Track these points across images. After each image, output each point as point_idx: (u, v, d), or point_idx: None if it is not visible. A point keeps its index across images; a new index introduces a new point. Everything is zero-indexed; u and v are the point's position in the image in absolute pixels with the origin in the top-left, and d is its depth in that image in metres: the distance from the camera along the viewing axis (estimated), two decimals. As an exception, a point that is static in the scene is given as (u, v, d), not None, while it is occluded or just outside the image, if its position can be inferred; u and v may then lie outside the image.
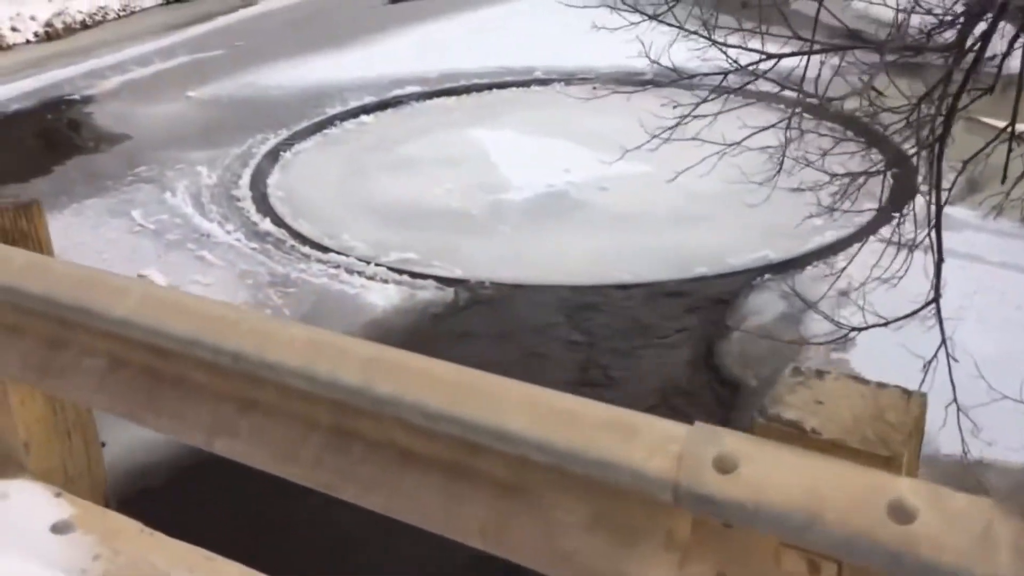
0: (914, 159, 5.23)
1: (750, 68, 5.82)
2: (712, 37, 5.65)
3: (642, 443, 1.72)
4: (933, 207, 5.12)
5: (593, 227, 8.26)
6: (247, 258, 7.86)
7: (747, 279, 7.22)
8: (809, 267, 7.37)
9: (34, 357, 2.12)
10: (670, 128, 6.14)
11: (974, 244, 7.45)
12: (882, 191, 8.14)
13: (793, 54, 5.35)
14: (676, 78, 6.52)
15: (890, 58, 4.59)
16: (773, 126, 6.47)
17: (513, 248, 7.92)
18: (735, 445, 1.63)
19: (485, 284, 7.28)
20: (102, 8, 16.23)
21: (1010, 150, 6.02)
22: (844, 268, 6.00)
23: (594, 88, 11.82)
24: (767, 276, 7.22)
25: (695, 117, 6.73)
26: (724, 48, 5.44)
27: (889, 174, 8.23)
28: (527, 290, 7.30)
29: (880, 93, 7.02)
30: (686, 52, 8.22)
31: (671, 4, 6.46)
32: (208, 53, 13.86)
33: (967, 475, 4.98)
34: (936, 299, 5.18)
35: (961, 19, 4.43)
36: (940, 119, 4.74)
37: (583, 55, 12.62)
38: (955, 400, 5.06)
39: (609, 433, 1.75)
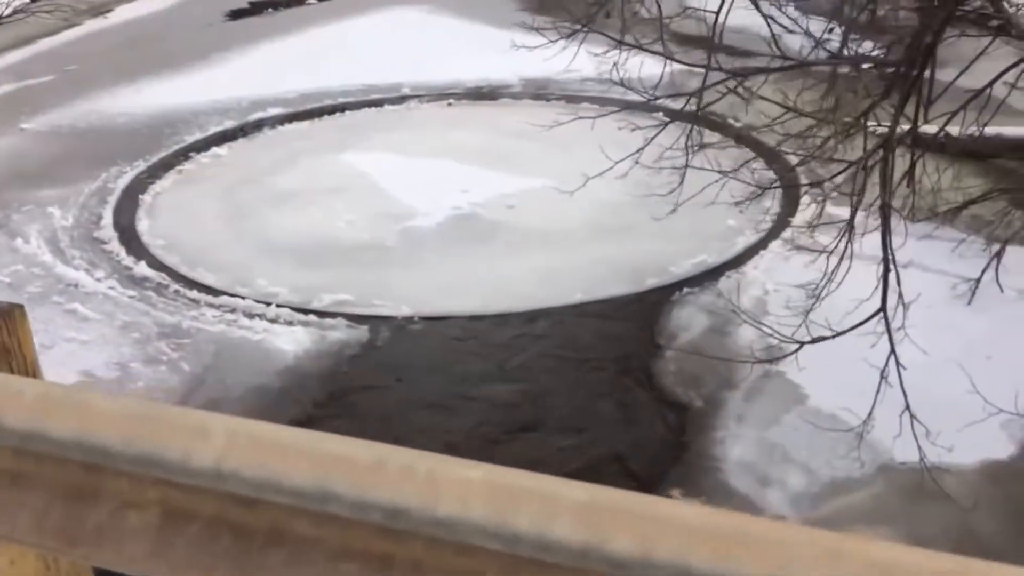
0: (854, 167, 5.22)
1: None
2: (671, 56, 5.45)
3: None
4: (879, 218, 5.12)
5: (516, 248, 7.95)
6: (127, 308, 7.10)
7: (667, 294, 7.10)
8: (723, 277, 7.34)
9: (54, 516, 1.60)
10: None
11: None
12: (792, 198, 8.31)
13: (739, 72, 5.23)
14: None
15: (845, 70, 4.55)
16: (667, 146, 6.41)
17: (443, 277, 7.52)
18: None
19: (414, 319, 6.84)
20: (-99, 33, 14.58)
21: (914, 155, 6.16)
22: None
23: (449, 104, 11.56)
24: (686, 290, 7.12)
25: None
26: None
27: (778, 182, 8.44)
28: (455, 321, 6.92)
29: (754, 94, 7.11)
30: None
31: (585, 25, 6.29)
32: (37, 79, 12.65)
33: (926, 481, 5.01)
34: (883, 308, 5.20)
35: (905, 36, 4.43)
36: (884, 129, 4.75)
37: (451, 69, 12.35)
38: (908, 408, 5.09)
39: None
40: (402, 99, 11.63)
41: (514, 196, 8.69)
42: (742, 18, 7.31)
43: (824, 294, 5.17)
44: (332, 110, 11.36)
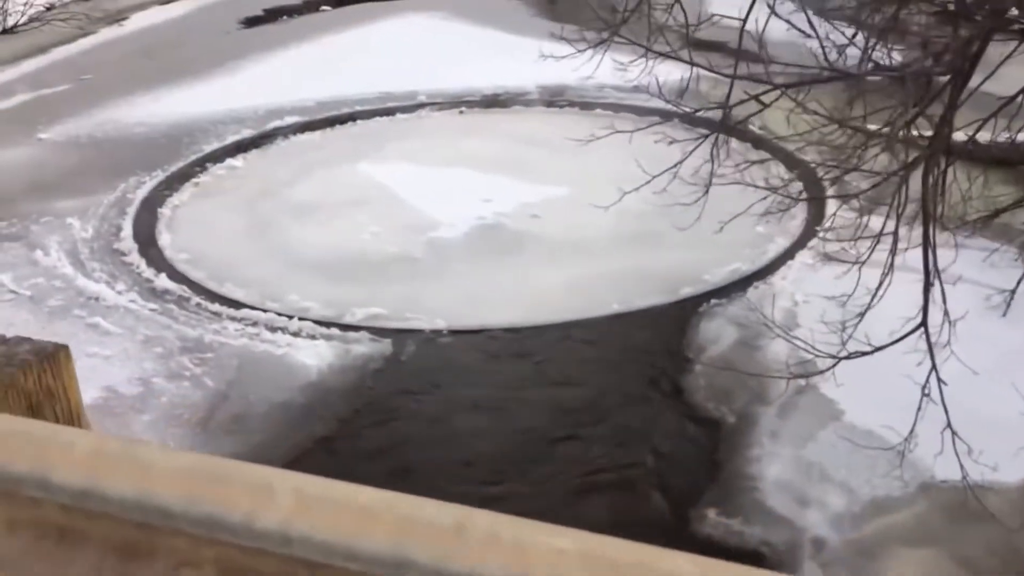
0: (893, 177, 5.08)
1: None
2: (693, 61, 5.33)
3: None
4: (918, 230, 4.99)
5: (547, 258, 7.84)
6: (148, 322, 7.02)
7: (694, 306, 6.98)
8: (751, 288, 7.21)
9: (106, 574, 1.51)
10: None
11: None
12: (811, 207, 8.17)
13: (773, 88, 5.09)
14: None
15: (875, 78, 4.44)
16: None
17: (475, 289, 7.42)
18: None
19: (443, 332, 6.75)
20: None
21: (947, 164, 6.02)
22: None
23: (461, 112, 11.47)
24: (714, 301, 7.00)
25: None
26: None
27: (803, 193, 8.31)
28: (482, 335, 6.83)
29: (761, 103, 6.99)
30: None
31: (611, 32, 6.17)
32: (53, 89, 12.62)
33: (969, 500, 4.88)
34: (924, 323, 5.07)
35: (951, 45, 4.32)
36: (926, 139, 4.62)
37: (466, 76, 12.27)
38: (949, 425, 4.96)
39: None
40: (414, 107, 11.55)
41: (536, 205, 8.59)
42: (761, 25, 7.20)
43: (865, 308, 5.03)
44: (344, 119, 11.28)
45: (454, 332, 6.80)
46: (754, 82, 5.09)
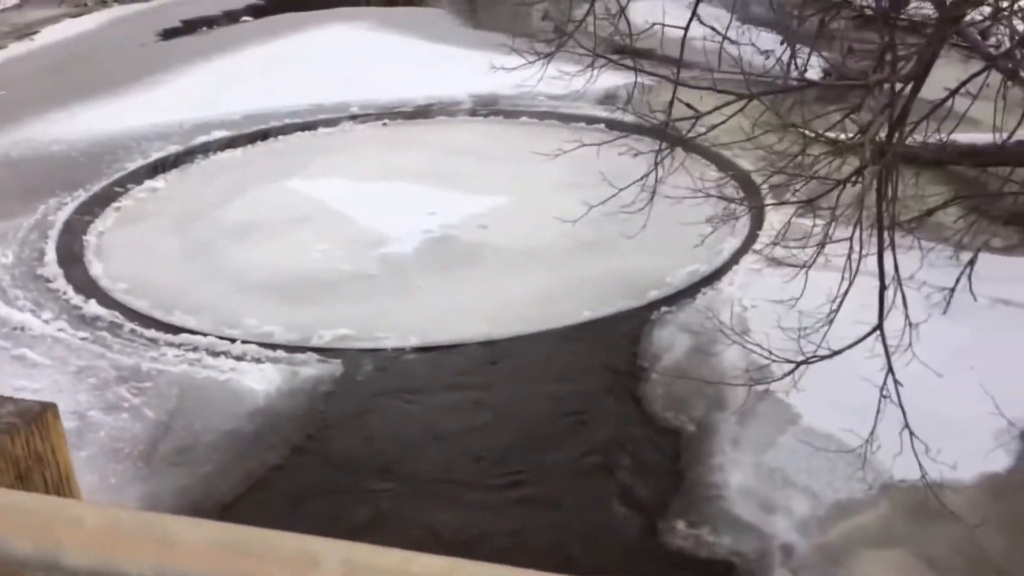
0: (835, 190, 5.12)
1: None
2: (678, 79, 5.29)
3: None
4: (875, 235, 5.04)
5: (507, 269, 7.72)
6: (80, 352, 6.69)
7: (646, 314, 6.96)
8: (699, 294, 7.23)
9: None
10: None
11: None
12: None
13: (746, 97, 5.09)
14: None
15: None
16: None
17: (439, 304, 7.25)
18: None
19: (406, 349, 6.59)
20: None
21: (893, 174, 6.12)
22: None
23: (384, 124, 11.29)
24: (664, 309, 6.99)
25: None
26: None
27: (744, 202, 8.39)
28: (447, 351, 6.69)
29: (694, 108, 7.05)
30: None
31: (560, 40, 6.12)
32: (-40, 107, 12.04)
33: (930, 499, 4.93)
34: (880, 326, 5.12)
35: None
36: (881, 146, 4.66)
37: (398, 86, 12.11)
38: (907, 425, 5.02)
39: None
40: (336, 121, 11.28)
41: (482, 216, 8.50)
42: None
43: (833, 313, 5.04)
44: (265, 136, 10.94)
45: (418, 349, 6.64)
46: (717, 92, 5.05)
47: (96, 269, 7.93)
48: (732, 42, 7.51)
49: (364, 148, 10.62)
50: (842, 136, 5.68)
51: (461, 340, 6.76)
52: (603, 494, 5.15)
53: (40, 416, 1.66)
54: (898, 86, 4.83)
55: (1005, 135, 6.98)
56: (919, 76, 4.28)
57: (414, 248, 8.06)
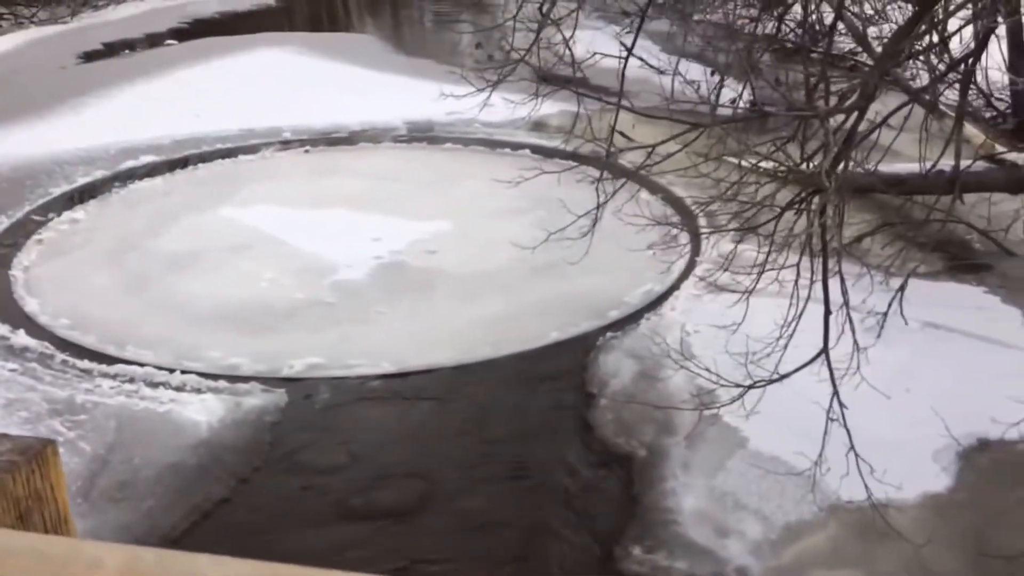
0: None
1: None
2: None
3: None
4: (820, 261, 5.18)
5: (466, 294, 7.69)
6: (9, 383, 6.41)
7: (592, 341, 7.00)
8: (643, 320, 7.31)
9: None
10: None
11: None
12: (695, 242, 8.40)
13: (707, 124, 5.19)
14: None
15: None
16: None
17: (406, 330, 7.18)
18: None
19: (371, 376, 6.51)
20: None
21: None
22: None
23: (306, 151, 11.16)
24: (610, 335, 7.05)
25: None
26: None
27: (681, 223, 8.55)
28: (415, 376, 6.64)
29: (626, 136, 7.21)
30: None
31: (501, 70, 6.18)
32: None
33: (877, 520, 5.05)
34: (825, 350, 5.25)
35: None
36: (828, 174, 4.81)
37: (331, 112, 12.03)
38: (852, 447, 5.14)
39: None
40: (255, 148, 11.08)
41: (427, 241, 8.47)
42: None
43: (787, 339, 5.15)
44: (184, 163, 10.66)
45: (387, 376, 6.58)
46: (672, 120, 5.15)
47: (31, 305, 7.54)
48: (661, 72, 7.70)
49: (290, 175, 10.46)
50: (770, 165, 5.87)
51: (434, 365, 6.74)
52: (558, 518, 5.14)
53: (41, 454, 1.58)
54: (840, 118, 5.01)
55: (928, 165, 7.26)
56: (863, 107, 4.43)
57: (366, 274, 7.97)
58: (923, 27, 5.37)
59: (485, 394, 6.40)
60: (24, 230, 9.00)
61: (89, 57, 15.63)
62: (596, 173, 6.55)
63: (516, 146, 11.01)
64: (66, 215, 9.41)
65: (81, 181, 9.99)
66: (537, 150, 10.74)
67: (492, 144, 11.20)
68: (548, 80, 7.06)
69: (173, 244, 8.63)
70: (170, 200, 9.80)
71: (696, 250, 8.27)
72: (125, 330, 7.11)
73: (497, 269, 7.95)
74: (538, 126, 10.96)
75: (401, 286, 7.81)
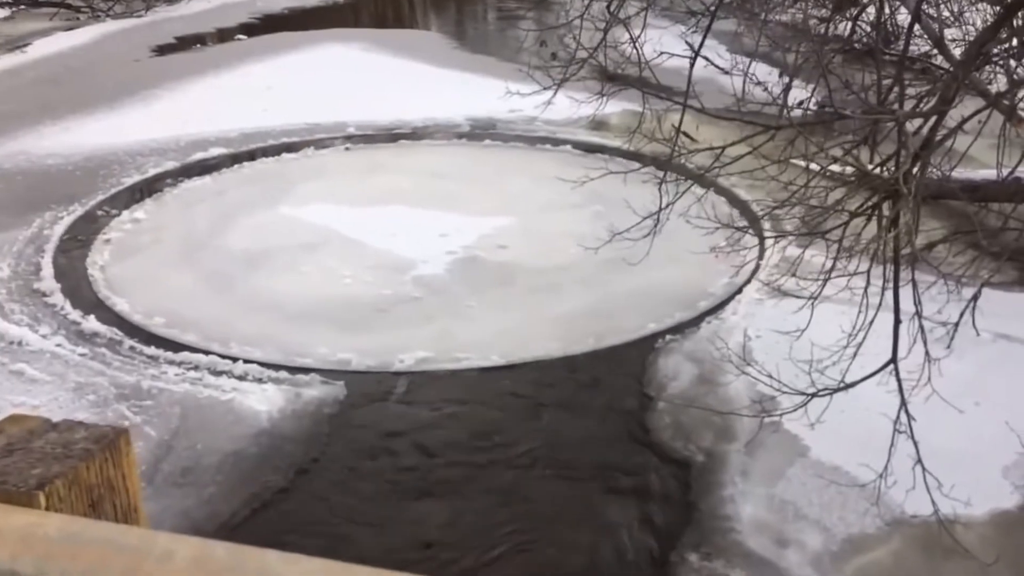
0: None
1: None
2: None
3: None
4: (891, 268, 5.06)
5: (550, 288, 7.70)
6: (79, 368, 6.58)
7: (650, 343, 6.94)
8: (704, 323, 7.22)
9: None
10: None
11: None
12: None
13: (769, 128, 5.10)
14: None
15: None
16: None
17: (504, 323, 7.21)
18: None
19: (402, 374, 6.53)
20: None
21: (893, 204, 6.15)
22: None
23: (347, 149, 11.15)
24: (668, 338, 6.98)
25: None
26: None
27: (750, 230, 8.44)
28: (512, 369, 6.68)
29: (690, 137, 7.09)
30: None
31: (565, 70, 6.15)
32: (-46, 119, 11.92)
33: (943, 536, 4.92)
34: (894, 360, 5.12)
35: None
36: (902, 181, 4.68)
37: (394, 108, 12.10)
38: (919, 460, 5.01)
39: None
40: (320, 143, 11.03)
41: (495, 236, 8.48)
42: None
43: (856, 348, 5.03)
44: (250, 156, 10.68)
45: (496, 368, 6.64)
46: (744, 123, 5.06)
47: (122, 305, 7.52)
48: (726, 72, 7.57)
49: (338, 174, 10.33)
50: (840, 169, 5.73)
51: (537, 358, 6.78)
52: (619, 523, 5.10)
53: (114, 442, 1.61)
54: (917, 122, 4.87)
55: (1005, 172, 7.04)
56: (942, 112, 4.31)
57: (445, 270, 7.98)
58: (1003, 32, 5.20)
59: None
60: (91, 227, 8.98)
61: (162, 51, 15.97)
62: (658, 173, 6.48)
63: (578, 144, 10.99)
64: (126, 215, 9.32)
65: (152, 172, 10.19)
66: (598, 149, 10.69)
67: (555, 142, 11.18)
68: (614, 79, 7.02)
69: (241, 242, 8.62)
70: (224, 199, 9.68)
71: (760, 254, 8.15)
72: (223, 329, 7.10)
73: (570, 263, 7.93)
74: (599, 125, 10.92)
75: (483, 280, 7.83)
